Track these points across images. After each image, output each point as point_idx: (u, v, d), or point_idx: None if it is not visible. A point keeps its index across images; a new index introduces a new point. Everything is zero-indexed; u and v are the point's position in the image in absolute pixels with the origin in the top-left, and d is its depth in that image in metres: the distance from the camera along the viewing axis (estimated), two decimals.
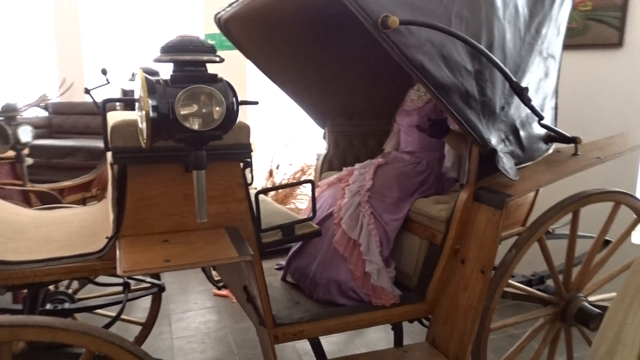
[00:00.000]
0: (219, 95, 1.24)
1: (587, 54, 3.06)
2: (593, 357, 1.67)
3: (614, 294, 2.16)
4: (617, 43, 2.98)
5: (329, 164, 2.85)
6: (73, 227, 1.81)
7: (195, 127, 1.24)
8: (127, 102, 2.26)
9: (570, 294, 2.05)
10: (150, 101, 1.18)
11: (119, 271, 1.24)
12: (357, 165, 2.28)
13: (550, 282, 2.24)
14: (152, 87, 1.20)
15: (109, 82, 2.55)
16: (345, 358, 1.83)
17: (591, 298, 2.09)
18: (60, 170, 3.64)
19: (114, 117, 1.81)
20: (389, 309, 1.89)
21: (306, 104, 2.84)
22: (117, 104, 2.35)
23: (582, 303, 2.03)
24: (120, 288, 2.88)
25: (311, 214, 2.22)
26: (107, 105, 2.30)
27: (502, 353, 2.25)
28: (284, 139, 3.89)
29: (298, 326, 1.76)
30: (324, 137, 2.94)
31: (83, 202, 3.47)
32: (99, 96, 2.89)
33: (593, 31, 3.03)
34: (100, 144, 3.77)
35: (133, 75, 2.36)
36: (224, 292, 3.50)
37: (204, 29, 4.74)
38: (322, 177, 2.75)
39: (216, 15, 2.43)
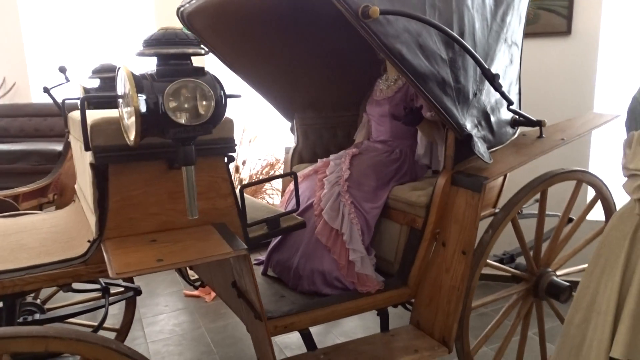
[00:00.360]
0: (207, 88, 1.22)
1: (537, 42, 3.21)
2: (568, 326, 1.77)
3: (580, 266, 2.30)
4: (565, 31, 3.15)
5: (299, 156, 2.85)
6: (45, 233, 1.73)
7: (184, 121, 1.21)
8: (92, 100, 2.16)
9: (540, 269, 2.16)
10: (138, 97, 1.14)
11: (111, 274, 1.20)
12: (331, 157, 2.29)
13: (519, 260, 2.36)
14: (139, 82, 1.16)
15: (68, 80, 2.43)
16: (336, 346, 1.85)
17: (559, 272, 2.22)
18: (12, 176, 3.43)
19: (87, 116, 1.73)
20: (374, 296, 1.92)
21: (273, 97, 2.82)
22: (79, 103, 2.24)
23: (551, 277, 2.14)
24: (88, 295, 2.78)
25: (288, 207, 2.23)
26: (67, 105, 2.22)
27: (474, 331, 2.34)
28: (248, 134, 3.85)
29: (288, 318, 1.76)
30: (292, 130, 2.93)
31: (39, 208, 3.29)
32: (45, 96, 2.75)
33: (543, 20, 3.19)
34: (54, 146, 3.59)
35: (93, 72, 2.25)
36: (195, 292, 3.43)
37: (155, 23, 4.60)
38: (294, 170, 2.74)
39: (179, 8, 2.36)
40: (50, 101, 4.32)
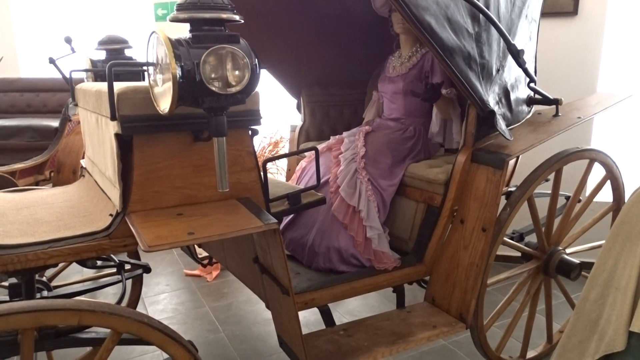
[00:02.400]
0: (242, 55, 1.18)
1: (544, 22, 3.19)
2: (583, 302, 1.79)
3: (588, 245, 2.33)
4: (572, 11, 3.14)
5: (306, 134, 2.82)
6: (59, 207, 1.67)
7: (218, 90, 1.17)
8: (98, 72, 2.09)
9: (551, 247, 2.18)
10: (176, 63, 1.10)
11: (143, 247, 1.17)
12: (345, 134, 2.27)
13: (528, 239, 2.38)
14: (175, 48, 1.12)
15: (74, 51, 2.34)
16: (354, 322, 1.85)
17: (568, 250, 2.24)
18: (5, 153, 3.32)
19: (92, 87, 1.67)
20: (391, 273, 1.92)
21: (280, 74, 2.78)
22: (85, 75, 2.16)
23: (562, 255, 2.17)
24: (86, 275, 2.74)
25: (301, 185, 2.20)
26: (75, 77, 2.15)
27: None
28: None
29: (308, 295, 1.75)
30: (298, 108, 2.89)
31: (36, 185, 3.21)
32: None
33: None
34: (49, 122, 3.49)
35: (99, 43, 2.18)
36: (196, 272, 3.41)
37: None
38: (301, 148, 2.71)
39: None
40: (42, 76, 4.22)
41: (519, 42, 1.94)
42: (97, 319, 1.14)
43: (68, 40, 2.29)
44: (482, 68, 1.73)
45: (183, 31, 1.23)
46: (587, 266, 1.97)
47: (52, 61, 2.17)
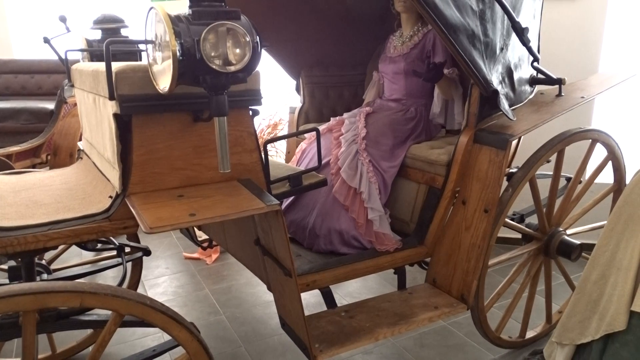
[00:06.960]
0: (244, 32, 1.15)
1: (546, 3, 3.15)
2: (584, 283, 1.79)
3: (588, 226, 2.33)
4: None
5: (306, 116, 2.79)
6: (57, 189, 1.65)
7: (219, 68, 1.14)
8: (94, 52, 2.05)
9: (552, 229, 2.17)
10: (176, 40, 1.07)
11: (144, 229, 1.15)
12: (345, 115, 2.24)
13: (529, 220, 2.37)
14: (175, 25, 1.09)
15: (69, 31, 2.29)
16: (356, 304, 1.85)
17: (569, 232, 2.24)
18: (0, 135, 3.29)
19: (89, 67, 1.64)
20: (392, 254, 1.92)
21: (279, 55, 2.74)
22: (81, 55, 2.12)
23: (562, 236, 2.16)
24: (86, 258, 2.73)
25: (302, 166, 2.19)
26: (70, 58, 2.11)
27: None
28: None
29: (310, 276, 1.75)
30: (297, 90, 2.86)
31: (33, 168, 3.18)
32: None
33: None
34: (44, 104, 3.45)
35: (94, 23, 2.13)
36: (195, 255, 3.40)
37: None
38: (301, 129, 2.69)
39: None
40: (36, 57, 4.15)
41: (523, 20, 1.91)
42: (99, 301, 1.13)
43: (62, 20, 2.24)
44: (485, 47, 1.71)
45: (179, 10, 1.19)
46: (588, 247, 1.97)
47: (46, 40, 2.12)
